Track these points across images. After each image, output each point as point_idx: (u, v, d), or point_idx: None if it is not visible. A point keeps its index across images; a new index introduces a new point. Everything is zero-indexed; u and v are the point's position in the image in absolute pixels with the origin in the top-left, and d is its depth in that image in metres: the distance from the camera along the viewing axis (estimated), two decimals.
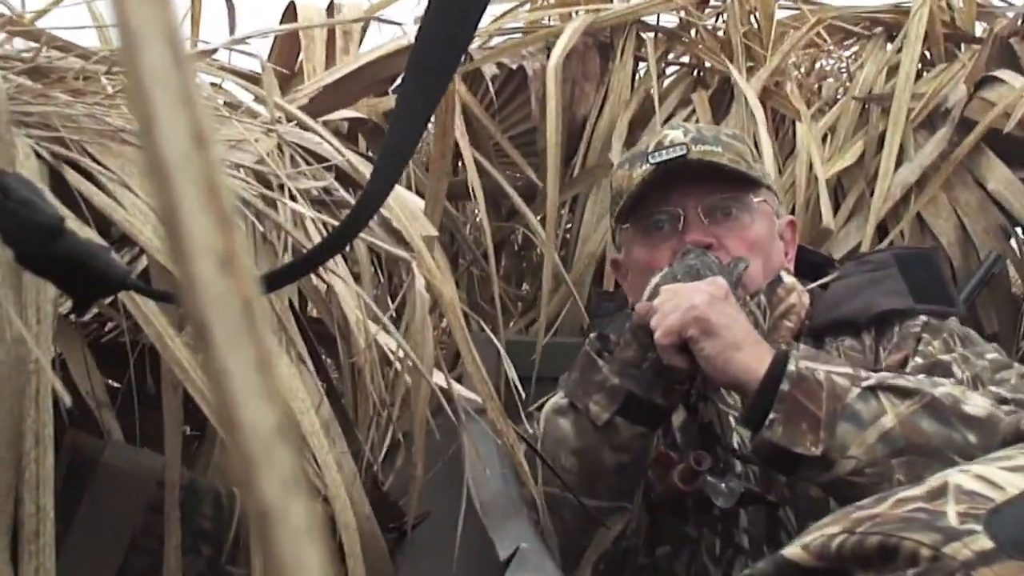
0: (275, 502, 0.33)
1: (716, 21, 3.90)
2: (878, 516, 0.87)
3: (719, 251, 1.93)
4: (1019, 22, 3.68)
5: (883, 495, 0.93)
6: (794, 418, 1.66)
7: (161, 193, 0.31)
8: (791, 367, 1.69)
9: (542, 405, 2.12)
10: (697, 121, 3.42)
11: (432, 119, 1.66)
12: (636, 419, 1.81)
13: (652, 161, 1.98)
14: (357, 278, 2.02)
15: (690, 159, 1.96)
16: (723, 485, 1.80)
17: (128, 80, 0.31)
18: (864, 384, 1.68)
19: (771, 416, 1.67)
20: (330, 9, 3.27)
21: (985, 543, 0.79)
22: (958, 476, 0.88)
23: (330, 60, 3.06)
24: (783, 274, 2.02)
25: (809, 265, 2.16)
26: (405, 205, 1.74)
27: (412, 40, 0.94)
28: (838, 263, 2.25)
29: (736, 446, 1.91)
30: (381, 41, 2.96)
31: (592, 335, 1.97)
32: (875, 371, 1.76)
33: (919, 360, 1.86)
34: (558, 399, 1.88)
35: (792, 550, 0.92)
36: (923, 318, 1.96)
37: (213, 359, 0.32)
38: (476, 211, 3.41)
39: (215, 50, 2.13)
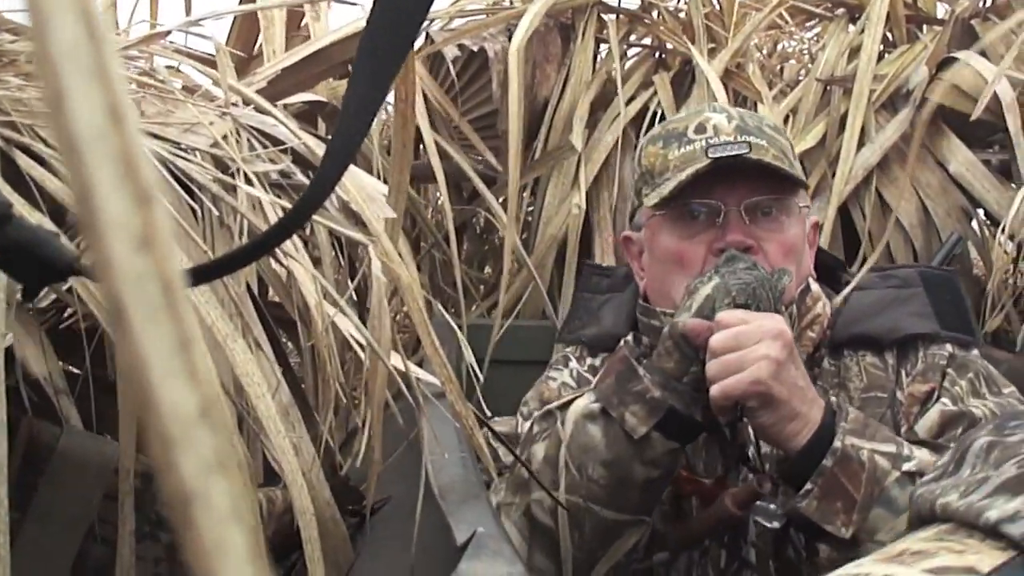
0: (196, 485, 0.32)
1: (678, 3, 3.89)
2: None
3: (757, 255, 1.85)
4: (980, 3, 3.69)
5: None
6: (831, 495, 1.64)
7: (74, 171, 0.30)
8: (837, 443, 1.67)
9: (506, 384, 2.11)
10: (659, 103, 3.42)
11: (392, 104, 1.65)
12: (672, 435, 1.73)
13: (712, 155, 1.88)
14: (318, 262, 2.01)
15: (748, 158, 1.90)
16: (773, 507, 1.79)
17: (37, 55, 0.30)
18: (904, 468, 1.65)
19: (808, 487, 1.66)
20: None
21: None
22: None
23: (290, 42, 3.04)
24: (810, 281, 1.98)
25: (822, 267, 2.12)
26: (363, 188, 1.72)
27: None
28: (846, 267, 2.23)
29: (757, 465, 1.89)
30: (341, 23, 2.94)
31: (628, 338, 1.94)
32: (910, 434, 1.79)
33: (947, 402, 1.84)
34: (589, 403, 1.77)
35: None
36: (948, 347, 1.94)
37: (130, 340, 0.31)
38: (438, 194, 3.40)
39: (169, 32, 2.10)
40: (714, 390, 1.67)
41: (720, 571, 1.91)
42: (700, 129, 1.95)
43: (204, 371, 0.33)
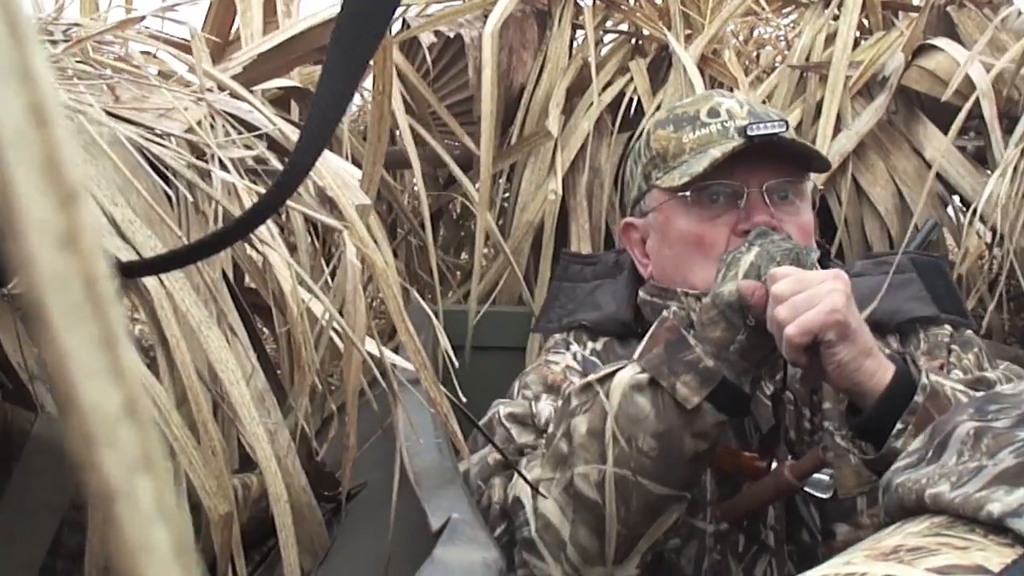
0: (120, 483, 0.32)
1: None
2: None
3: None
4: None
5: None
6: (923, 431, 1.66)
7: None
8: (925, 380, 1.67)
9: (482, 370, 2.10)
10: (636, 89, 3.42)
11: (367, 90, 1.65)
12: (722, 406, 1.71)
13: (752, 133, 1.88)
14: (293, 248, 2.01)
15: (784, 137, 1.91)
16: (827, 479, 1.79)
17: None
18: None
19: (900, 426, 1.65)
20: None
21: None
22: None
23: (267, 28, 3.03)
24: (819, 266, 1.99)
25: None
26: (338, 174, 1.72)
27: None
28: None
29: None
30: (315, 9, 2.93)
31: (673, 308, 1.92)
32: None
33: (959, 374, 1.86)
34: (635, 374, 1.73)
35: None
36: (948, 328, 1.97)
37: (51, 339, 0.31)
38: (414, 180, 3.39)
39: (143, 17, 2.09)
40: (791, 329, 1.65)
41: (738, 555, 1.91)
42: (713, 113, 1.97)
43: (129, 369, 0.32)
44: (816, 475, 1.75)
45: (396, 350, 1.79)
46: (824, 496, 1.79)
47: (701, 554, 1.90)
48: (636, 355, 1.77)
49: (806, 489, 1.78)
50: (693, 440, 1.71)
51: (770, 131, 1.88)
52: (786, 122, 1.90)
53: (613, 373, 1.76)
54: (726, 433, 1.83)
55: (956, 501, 0.87)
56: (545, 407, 1.92)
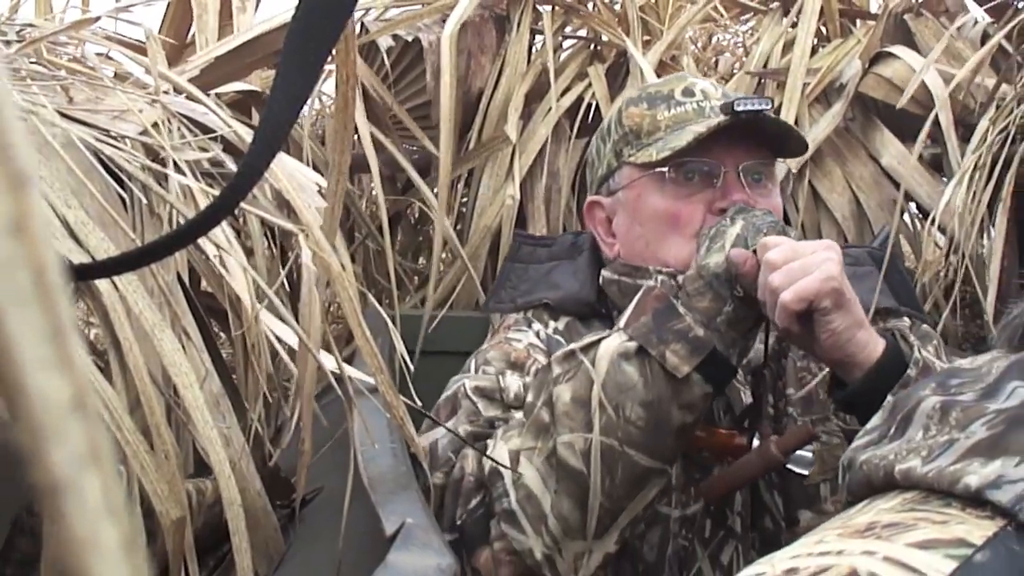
0: (67, 477, 0.31)
1: None
2: None
3: None
4: None
5: (788, 569, 0.84)
6: None
7: None
8: (918, 355, 1.68)
9: (439, 375, 2.08)
10: (594, 95, 3.42)
11: (323, 94, 1.64)
12: (710, 377, 1.69)
13: (739, 108, 1.86)
14: (250, 252, 2.00)
15: (767, 116, 1.91)
16: (809, 455, 1.79)
17: None
18: None
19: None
20: None
21: None
22: (865, 561, 0.80)
23: (223, 31, 3.01)
24: None
25: None
26: (294, 177, 1.71)
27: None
28: None
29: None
30: (273, 12, 2.92)
31: (662, 278, 1.90)
32: None
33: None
34: (622, 340, 1.71)
35: None
36: (907, 320, 1.98)
37: None
38: (371, 184, 3.38)
39: (98, 18, 2.08)
40: (787, 295, 1.64)
41: (705, 541, 1.90)
42: (687, 92, 1.97)
43: (78, 361, 0.32)
44: (799, 451, 1.75)
45: (353, 355, 1.78)
46: (805, 472, 1.79)
47: (665, 540, 1.89)
48: (622, 324, 1.75)
49: (788, 466, 1.78)
50: (680, 412, 1.69)
51: (758, 107, 1.87)
52: (771, 100, 1.91)
53: (598, 342, 1.74)
54: None
55: (930, 475, 0.86)
56: (513, 381, 1.90)
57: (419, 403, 1.70)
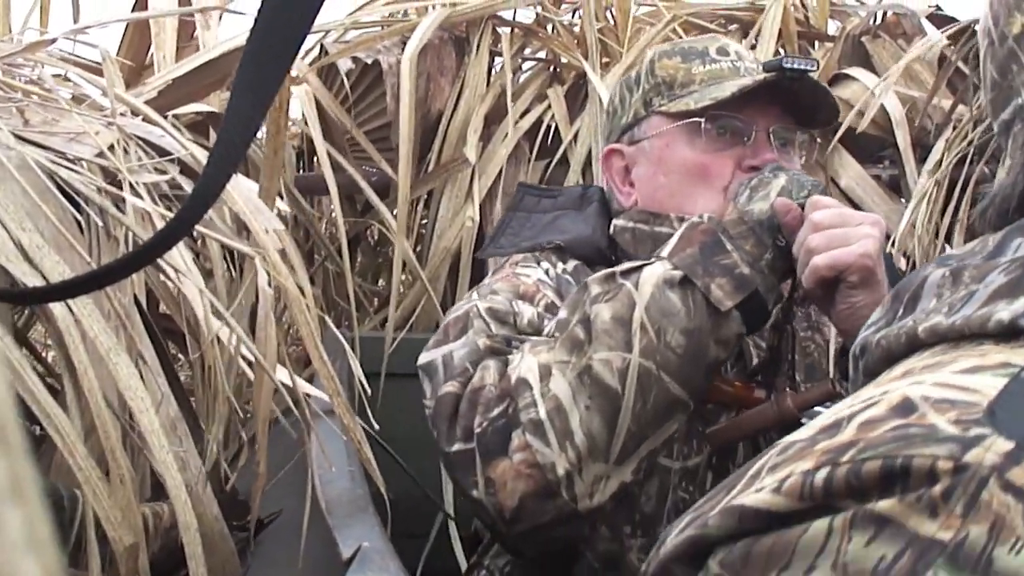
0: None
1: (572, 17, 3.91)
2: (861, 441, 0.77)
3: None
4: (871, 21, 3.75)
5: (828, 424, 0.83)
6: None
7: None
8: None
9: (399, 397, 2.07)
10: (553, 116, 3.43)
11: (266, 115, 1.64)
12: (747, 318, 1.69)
13: (787, 66, 1.85)
14: (209, 274, 1.99)
15: (809, 79, 1.90)
16: (825, 411, 1.78)
17: None
18: None
19: None
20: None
21: (1005, 444, 0.71)
22: (915, 388, 0.80)
23: (181, 52, 3.01)
24: None
25: None
26: (250, 199, 1.71)
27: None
28: None
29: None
30: (232, 34, 2.91)
31: (711, 214, 1.89)
32: None
33: None
34: (667, 268, 1.70)
35: (759, 497, 0.81)
36: None
37: None
38: (331, 206, 3.38)
39: (55, 40, 2.07)
40: (821, 259, 1.64)
41: (705, 493, 1.89)
42: (722, 52, 1.97)
43: None
44: (815, 408, 1.75)
45: (312, 378, 1.78)
46: None
47: (664, 491, 1.87)
48: (665, 253, 1.73)
49: (802, 421, 1.77)
50: (716, 346, 1.68)
51: (805, 67, 1.87)
52: (817, 62, 1.91)
53: (640, 267, 1.72)
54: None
55: (957, 324, 0.85)
56: (527, 308, 1.86)
57: (376, 426, 1.70)
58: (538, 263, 2.00)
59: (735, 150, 1.90)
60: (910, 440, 0.76)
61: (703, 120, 1.91)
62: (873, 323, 0.99)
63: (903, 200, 3.28)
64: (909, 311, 0.94)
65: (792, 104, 1.93)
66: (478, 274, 3.11)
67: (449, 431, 1.66)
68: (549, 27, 3.79)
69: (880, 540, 0.74)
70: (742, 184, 1.81)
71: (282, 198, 1.84)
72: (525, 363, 1.70)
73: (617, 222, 1.99)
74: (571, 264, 2.00)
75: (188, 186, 1.79)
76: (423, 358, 1.77)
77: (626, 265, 1.74)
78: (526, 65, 3.84)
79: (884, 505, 0.74)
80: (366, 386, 1.78)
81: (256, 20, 0.92)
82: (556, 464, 1.63)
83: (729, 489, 0.86)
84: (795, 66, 1.86)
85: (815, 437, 0.82)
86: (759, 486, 0.81)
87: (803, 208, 1.71)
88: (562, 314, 1.74)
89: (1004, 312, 0.82)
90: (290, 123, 3.36)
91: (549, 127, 3.44)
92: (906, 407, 0.79)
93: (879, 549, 0.73)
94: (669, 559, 0.86)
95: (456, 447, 1.63)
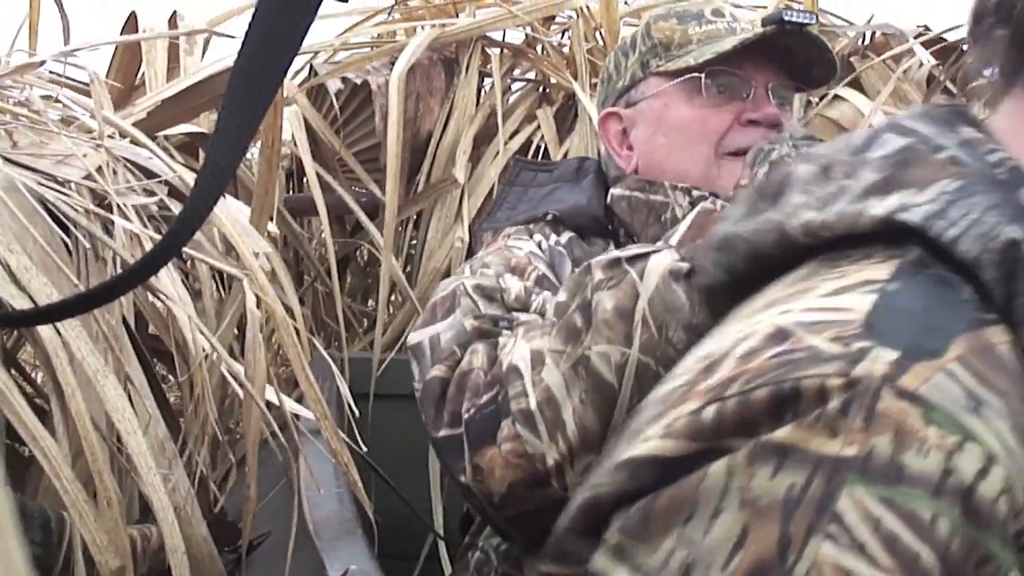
0: None
1: (562, 38, 3.91)
2: (743, 373, 0.78)
3: None
4: (860, 41, 3.76)
5: (705, 366, 0.85)
6: None
7: None
8: None
9: (389, 418, 2.06)
10: (543, 137, 3.44)
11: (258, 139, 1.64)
12: None
13: (788, 18, 1.84)
14: (198, 295, 1.99)
15: (809, 32, 1.89)
16: None
17: None
18: None
19: None
20: (172, 21, 3.22)
21: (890, 354, 0.74)
22: (784, 317, 0.82)
23: (171, 73, 3.01)
24: None
25: None
26: (238, 221, 1.71)
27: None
28: None
29: None
30: (222, 55, 2.91)
31: (704, 192, 1.87)
32: None
33: None
34: (675, 260, 1.63)
35: (648, 445, 0.81)
36: None
37: None
38: (320, 227, 3.38)
39: (43, 62, 2.08)
40: None
41: None
42: (717, 13, 1.95)
43: None
44: None
45: (300, 399, 1.77)
46: None
47: None
48: (675, 240, 1.67)
49: None
50: None
51: (805, 20, 1.86)
52: (816, 15, 1.90)
53: (647, 254, 1.64)
54: None
55: (831, 219, 0.86)
56: (514, 283, 1.81)
57: (366, 447, 1.69)
58: (531, 235, 1.95)
59: (734, 105, 1.88)
60: (795, 363, 0.77)
61: (703, 76, 1.90)
62: (731, 217, 0.99)
63: None
64: (771, 204, 0.93)
65: (788, 62, 1.93)
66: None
67: (436, 416, 1.64)
68: (538, 48, 3.80)
69: (785, 469, 0.74)
70: (760, 151, 1.74)
71: (272, 219, 1.84)
72: (517, 349, 1.66)
73: (614, 191, 1.96)
74: (565, 236, 1.95)
75: (176, 208, 1.79)
76: (412, 339, 1.74)
77: (632, 250, 1.67)
78: (515, 86, 3.84)
79: (781, 433, 0.74)
80: (354, 407, 1.78)
81: (244, 42, 0.92)
82: (546, 455, 1.59)
83: (610, 451, 0.87)
84: (795, 19, 1.85)
85: (693, 380, 0.84)
86: (646, 436, 0.82)
87: None
88: (561, 296, 1.68)
89: (877, 208, 0.83)
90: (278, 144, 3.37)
91: (539, 147, 3.44)
92: (780, 335, 0.80)
93: (786, 478, 0.74)
94: (566, 531, 0.87)
95: (443, 432, 1.61)
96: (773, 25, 1.86)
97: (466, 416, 1.63)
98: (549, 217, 1.97)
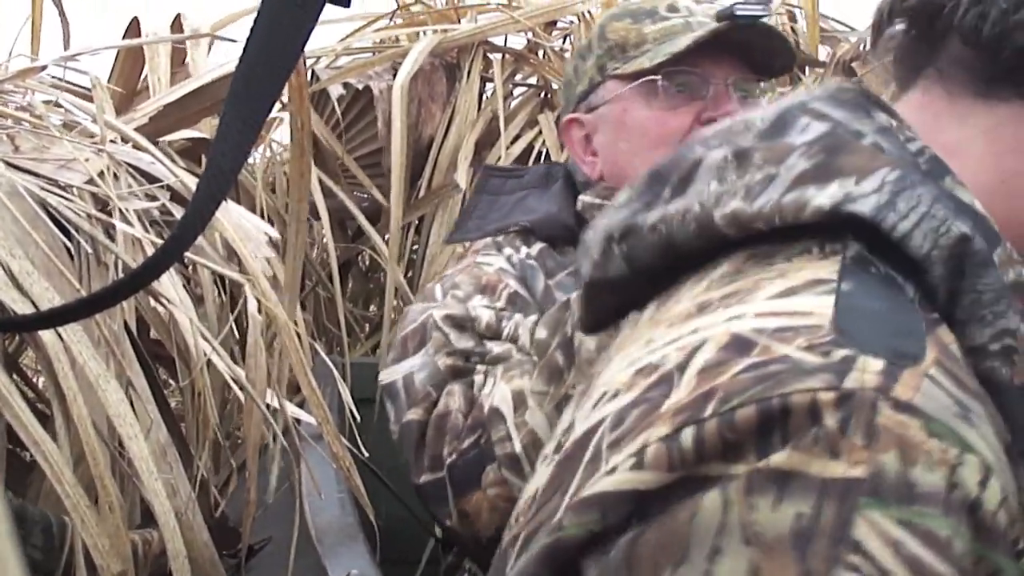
0: None
1: (563, 43, 3.92)
2: (716, 390, 0.71)
3: None
4: (861, 47, 3.76)
5: (653, 382, 0.76)
6: None
7: None
8: None
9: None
10: (544, 142, 3.44)
11: (274, 142, 1.64)
12: None
13: (739, 12, 1.80)
14: (200, 300, 1.99)
15: (765, 23, 1.85)
16: None
17: None
18: None
19: None
20: (175, 25, 3.22)
21: (875, 362, 0.69)
22: (738, 324, 0.75)
23: (174, 78, 3.01)
24: None
25: None
26: (241, 227, 1.71)
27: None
28: None
29: None
30: (224, 59, 2.91)
31: None
32: None
33: None
34: None
35: (617, 479, 0.72)
36: None
37: None
38: (322, 232, 3.38)
39: (45, 67, 2.08)
40: None
41: None
42: (672, 8, 1.91)
43: None
44: None
45: (302, 404, 1.77)
46: None
47: None
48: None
49: None
50: None
51: (758, 12, 1.82)
52: (769, 5, 1.87)
53: None
54: None
55: (766, 209, 0.80)
56: (483, 311, 1.79)
57: (368, 453, 1.69)
58: (500, 250, 1.94)
59: (694, 105, 1.85)
60: (776, 377, 0.70)
61: (659, 78, 1.87)
62: (620, 207, 0.92)
63: None
64: (679, 194, 0.88)
65: (747, 54, 1.90)
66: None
67: (416, 461, 1.62)
68: (540, 53, 3.80)
69: (788, 498, 0.67)
70: None
71: (272, 224, 1.84)
72: (497, 391, 1.64)
73: (583, 198, 1.94)
74: (536, 247, 1.93)
75: (178, 213, 1.79)
76: (383, 377, 1.72)
77: None
78: (517, 91, 3.85)
79: (778, 458, 0.68)
80: (355, 412, 1.78)
81: (246, 46, 0.92)
82: None
83: (559, 486, 0.77)
84: (747, 12, 1.81)
85: (647, 397, 0.75)
86: (609, 467, 0.73)
87: None
88: (540, 333, 1.65)
89: (821, 199, 0.78)
90: (280, 149, 3.37)
91: (540, 153, 3.45)
92: (741, 344, 0.73)
93: (791, 507, 0.67)
94: None
95: (425, 478, 1.59)
96: (726, 21, 1.83)
97: (448, 461, 1.62)
98: (520, 228, 1.96)
